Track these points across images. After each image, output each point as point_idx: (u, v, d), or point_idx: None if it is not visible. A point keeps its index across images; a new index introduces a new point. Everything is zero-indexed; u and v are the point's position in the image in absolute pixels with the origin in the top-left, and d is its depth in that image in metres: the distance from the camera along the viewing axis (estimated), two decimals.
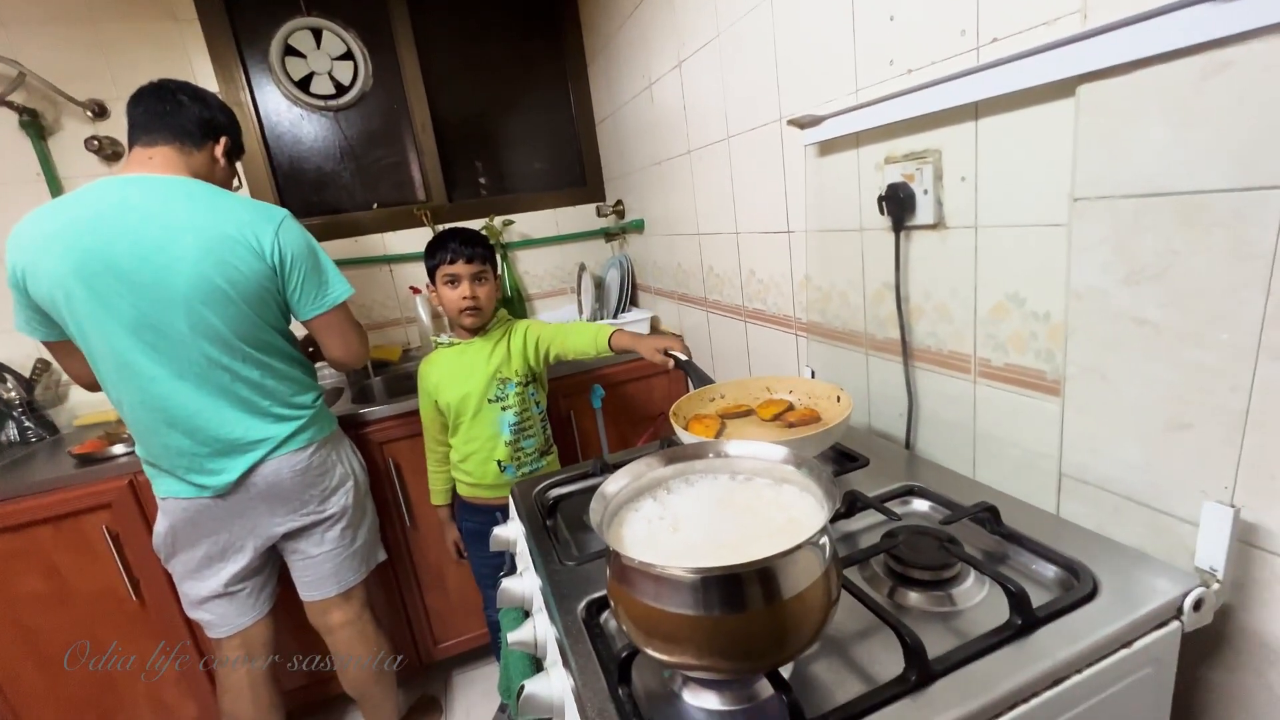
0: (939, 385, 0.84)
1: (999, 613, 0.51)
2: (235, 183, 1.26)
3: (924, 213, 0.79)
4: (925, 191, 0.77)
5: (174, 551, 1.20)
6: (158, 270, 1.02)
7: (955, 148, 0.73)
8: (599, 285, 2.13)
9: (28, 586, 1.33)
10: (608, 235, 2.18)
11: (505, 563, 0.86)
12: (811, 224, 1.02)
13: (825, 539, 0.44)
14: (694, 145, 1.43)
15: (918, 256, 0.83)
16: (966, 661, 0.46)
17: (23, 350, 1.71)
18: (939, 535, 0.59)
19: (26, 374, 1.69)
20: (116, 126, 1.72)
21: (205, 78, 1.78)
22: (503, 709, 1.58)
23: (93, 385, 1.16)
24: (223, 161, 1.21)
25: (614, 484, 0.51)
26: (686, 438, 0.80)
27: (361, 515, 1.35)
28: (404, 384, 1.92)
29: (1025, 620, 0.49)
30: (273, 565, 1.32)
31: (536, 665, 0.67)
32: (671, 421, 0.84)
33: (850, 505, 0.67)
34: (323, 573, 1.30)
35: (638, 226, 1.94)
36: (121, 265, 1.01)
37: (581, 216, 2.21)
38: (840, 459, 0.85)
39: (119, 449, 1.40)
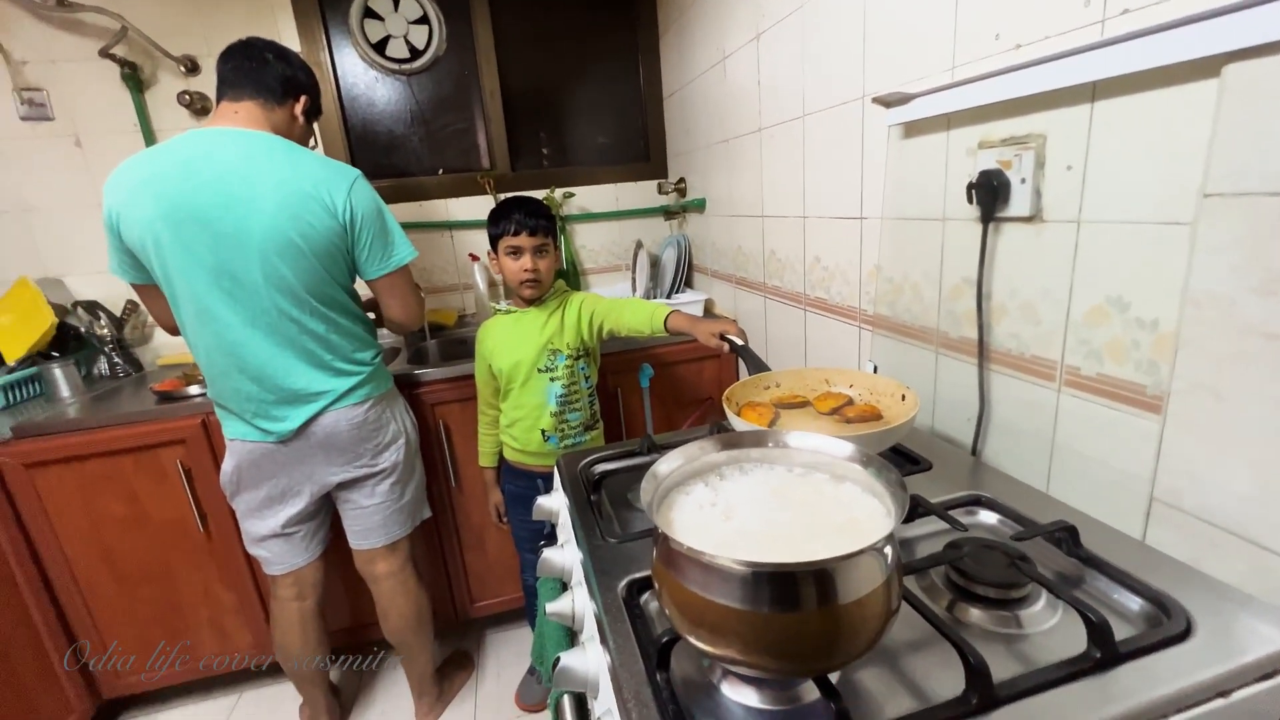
0: (1016, 391, 0.78)
1: (1073, 642, 0.47)
2: (311, 141, 1.30)
3: (1019, 203, 0.72)
4: (1023, 180, 0.71)
5: (238, 490, 1.27)
6: (237, 220, 1.06)
7: (1063, 133, 0.67)
8: (654, 264, 2.10)
9: (110, 509, 1.44)
10: (667, 213, 2.14)
11: (546, 532, 0.86)
12: (888, 210, 0.97)
13: (890, 545, 0.41)
14: (765, 123, 1.37)
15: (1006, 251, 0.76)
16: (1036, 690, 0.43)
17: (115, 290, 1.84)
18: (1009, 551, 0.55)
19: (118, 313, 1.81)
20: (206, 82, 1.79)
21: (289, 38, 1.83)
22: (532, 672, 1.62)
23: (174, 329, 1.22)
24: (301, 120, 1.24)
25: (666, 464, 0.49)
26: (739, 424, 0.78)
27: (410, 472, 1.39)
28: (458, 348, 1.96)
29: (1106, 654, 0.44)
30: (326, 512, 1.38)
31: (572, 637, 0.67)
32: (725, 407, 0.82)
33: (910, 510, 0.63)
34: (371, 524, 1.35)
35: (699, 206, 1.90)
36: (205, 214, 1.06)
37: (642, 193, 2.18)
38: (900, 460, 0.81)
39: (194, 389, 1.48)
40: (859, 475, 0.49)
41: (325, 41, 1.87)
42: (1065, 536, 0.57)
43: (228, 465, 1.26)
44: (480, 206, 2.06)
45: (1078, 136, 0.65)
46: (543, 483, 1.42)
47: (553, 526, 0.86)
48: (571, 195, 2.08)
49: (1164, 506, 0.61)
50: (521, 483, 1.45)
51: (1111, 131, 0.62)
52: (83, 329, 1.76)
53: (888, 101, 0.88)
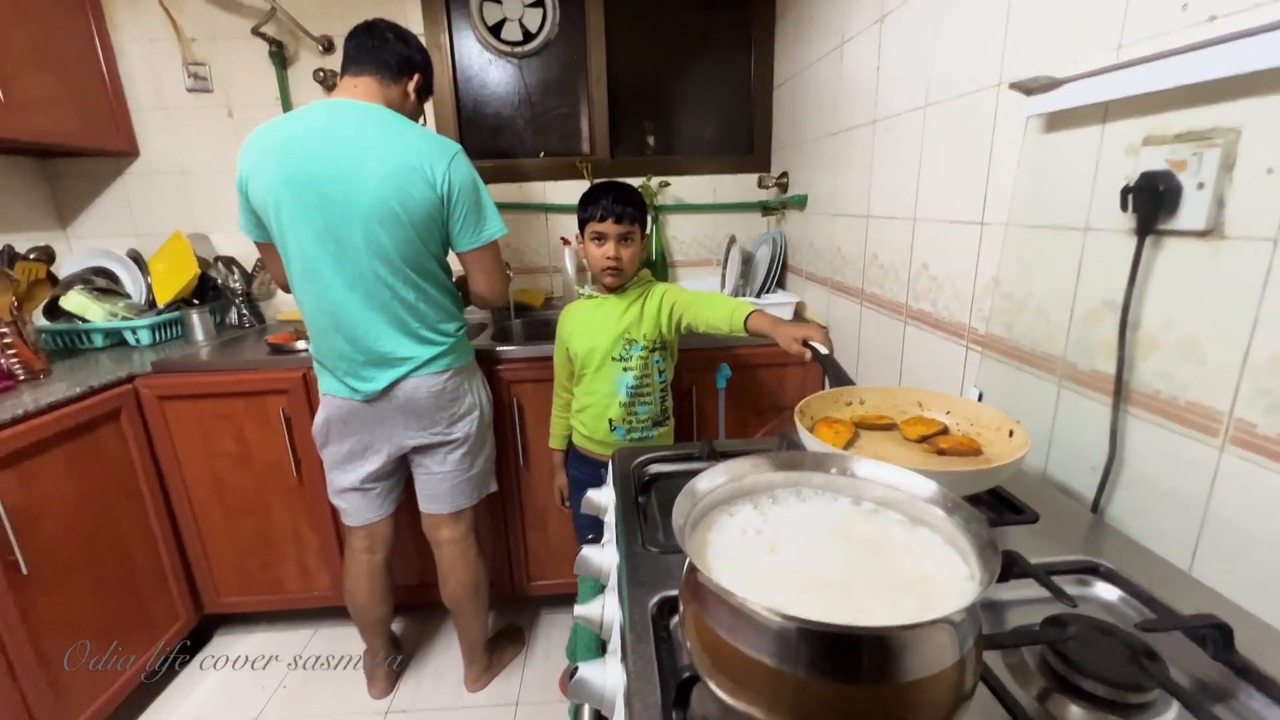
0: (1162, 443, 0.64)
1: None
2: (421, 119, 1.35)
3: (1191, 213, 0.59)
4: (1200, 185, 0.57)
5: (326, 442, 1.35)
6: (347, 188, 1.12)
7: (1268, 127, 0.53)
8: (747, 261, 2.01)
9: (223, 445, 1.60)
10: (765, 209, 2.04)
11: (594, 527, 0.83)
12: (1016, 216, 0.83)
13: (971, 617, 0.33)
14: (881, 114, 1.25)
15: (1166, 271, 0.63)
16: None
17: (248, 249, 2.02)
18: (1132, 642, 0.44)
19: (249, 270, 2.00)
20: (339, 61, 1.92)
21: (414, 20, 1.92)
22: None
23: (286, 286, 1.32)
24: (414, 97, 1.29)
25: (707, 480, 0.44)
26: (810, 442, 0.70)
27: (482, 445, 1.42)
28: (541, 330, 1.98)
29: None
30: (401, 473, 1.44)
31: (602, 645, 0.64)
32: (796, 420, 0.74)
33: (1005, 568, 0.53)
34: (440, 490, 1.40)
35: (800, 202, 1.79)
36: (320, 180, 1.12)
37: (740, 186, 2.09)
38: (999, 506, 0.69)
39: (301, 345, 1.60)
40: (940, 522, 0.41)
41: (447, 23, 1.95)
42: (1214, 635, 0.45)
43: (319, 418, 1.35)
44: (577, 191, 2.05)
45: None
46: (605, 472, 1.40)
47: (600, 523, 0.83)
48: (667, 185, 2.03)
49: None
50: (586, 469, 1.44)
51: None
52: (219, 281, 1.96)
53: (1028, 88, 0.76)
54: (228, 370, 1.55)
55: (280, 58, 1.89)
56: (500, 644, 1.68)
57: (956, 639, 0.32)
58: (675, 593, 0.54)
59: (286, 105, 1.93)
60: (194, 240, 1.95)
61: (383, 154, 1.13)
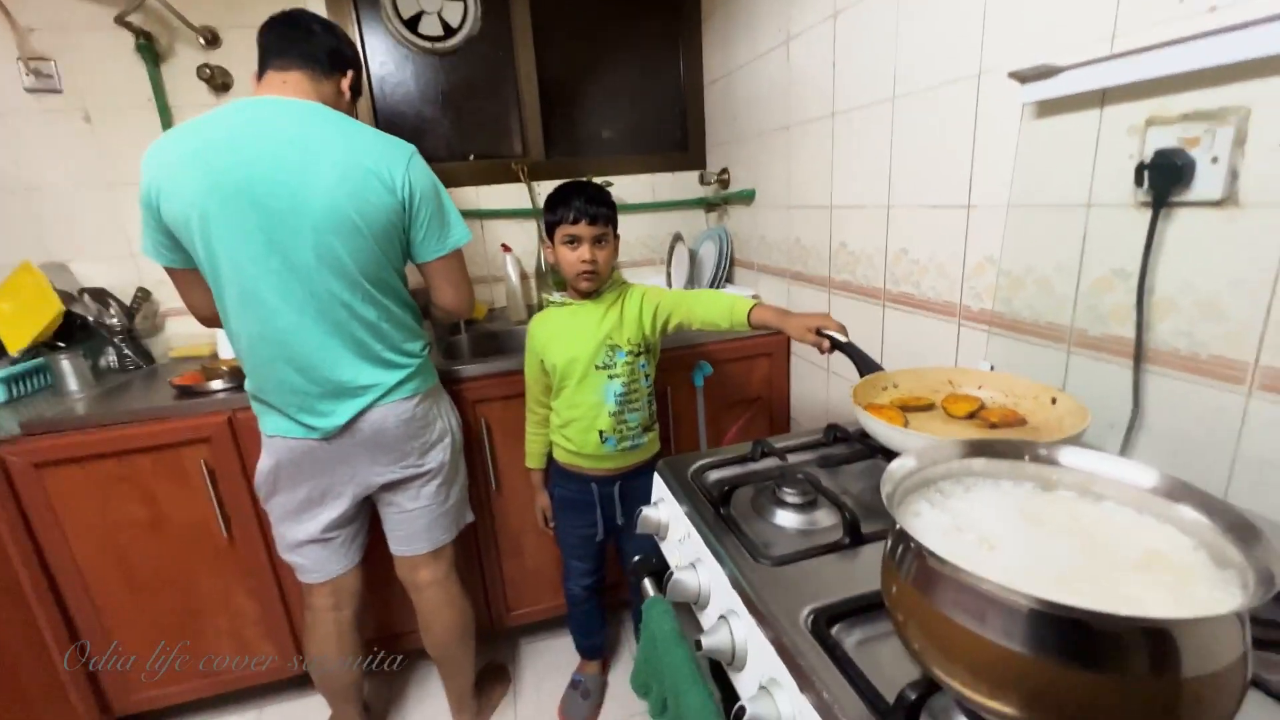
0: (1184, 394, 0.71)
1: None
2: None
3: (1206, 185, 0.65)
4: (1215, 160, 0.64)
5: (275, 491, 1.17)
6: (292, 196, 0.97)
7: (1273, 105, 0.59)
8: (692, 258, 2.01)
9: (126, 512, 1.33)
10: (708, 206, 2.06)
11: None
12: (1016, 198, 0.89)
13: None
14: (840, 107, 1.29)
15: (1180, 239, 0.69)
16: None
17: (124, 278, 1.72)
18: None
19: (128, 302, 1.70)
20: (228, 56, 1.68)
21: (315, 10, 1.72)
22: (575, 685, 1.54)
23: (210, 319, 1.12)
24: (348, 95, 1.15)
25: (899, 465, 0.41)
26: (873, 424, 0.70)
27: (456, 473, 1.30)
28: (489, 343, 1.86)
29: None
30: (365, 516, 1.28)
31: (715, 670, 0.59)
32: (855, 406, 0.74)
33: None
34: (416, 528, 1.26)
35: (746, 197, 1.82)
36: (256, 189, 0.96)
37: (680, 184, 2.10)
38: None
39: (218, 384, 1.37)
40: (1125, 494, 0.41)
41: (354, 15, 1.77)
42: None
43: (264, 464, 1.16)
44: (513, 195, 1.97)
45: None
46: (596, 487, 1.33)
47: (657, 542, 0.77)
48: (610, 185, 1.99)
49: None
50: (573, 486, 1.36)
51: None
52: (90, 318, 1.64)
53: (1025, 76, 0.81)
54: (126, 423, 1.29)
55: (151, 52, 1.61)
56: (486, 685, 1.55)
57: (1238, 628, 0.32)
58: (824, 604, 0.50)
59: (163, 107, 1.66)
60: (49, 271, 1.61)
61: (334, 156, 0.99)
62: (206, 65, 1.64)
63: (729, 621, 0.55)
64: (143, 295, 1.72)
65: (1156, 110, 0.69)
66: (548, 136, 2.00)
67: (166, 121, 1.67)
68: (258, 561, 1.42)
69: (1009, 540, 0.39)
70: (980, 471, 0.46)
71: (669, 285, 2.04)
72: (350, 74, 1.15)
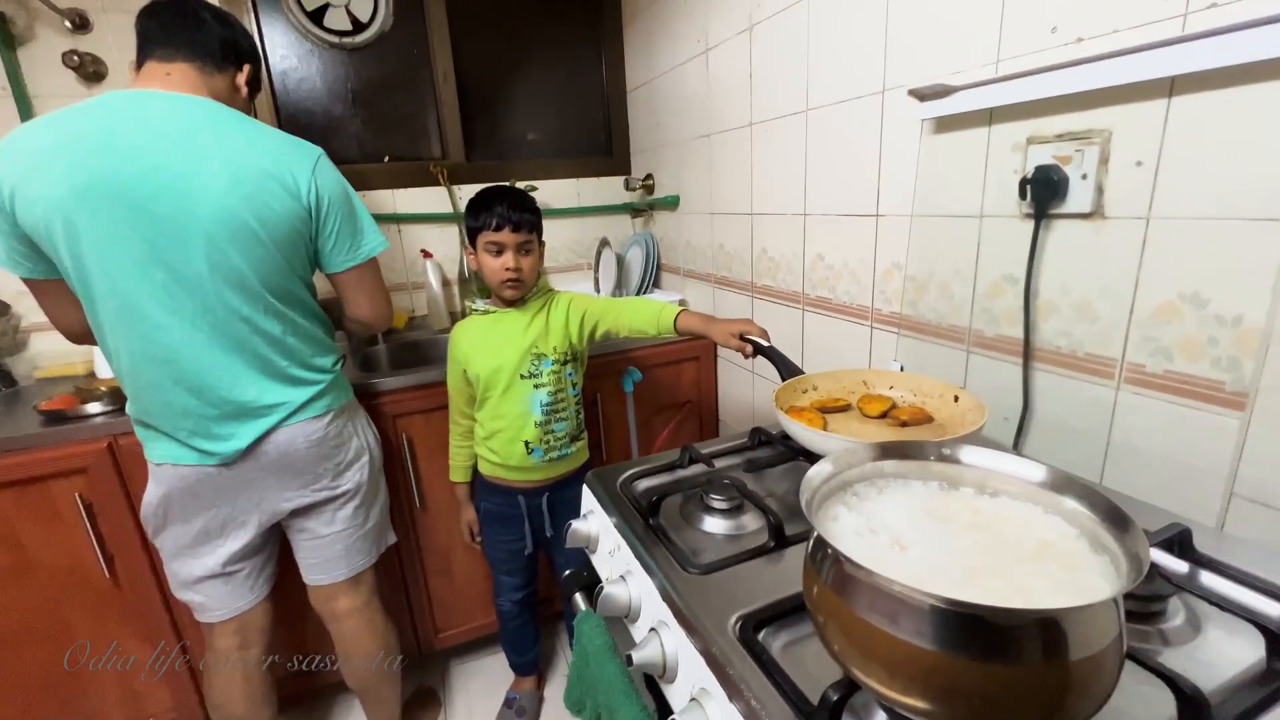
0: (1065, 389, 0.78)
1: (1232, 650, 0.45)
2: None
3: (1077, 199, 0.72)
4: (1084, 176, 0.70)
5: (165, 524, 1.06)
6: (178, 199, 0.88)
7: (1133, 128, 0.66)
8: (619, 263, 2.02)
9: None
10: (634, 211, 2.07)
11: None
12: (918, 208, 0.95)
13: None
14: (758, 117, 1.34)
15: (1058, 248, 0.76)
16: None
17: None
18: None
19: None
20: (99, 43, 1.52)
21: None
22: (509, 704, 1.49)
23: (82, 336, 1.00)
24: (244, 91, 1.07)
25: (817, 472, 0.42)
26: (794, 428, 0.72)
27: (375, 493, 1.23)
28: (410, 354, 1.78)
29: None
30: (274, 544, 1.19)
31: (650, 683, 0.59)
32: (778, 412, 0.76)
33: None
34: (332, 554, 1.18)
35: (671, 203, 1.84)
36: (135, 191, 0.86)
37: (606, 189, 2.09)
38: None
39: (94, 407, 1.23)
40: (1017, 488, 0.44)
41: (251, 4, 1.64)
42: (1178, 538, 0.55)
43: (152, 495, 1.05)
44: (432, 199, 1.89)
45: (1150, 132, 0.65)
46: (524, 499, 1.30)
47: (587, 555, 0.76)
48: (534, 189, 1.95)
49: (1245, 501, 0.61)
50: (499, 499, 1.32)
51: (1193, 127, 0.61)
52: None
53: (923, 94, 0.86)
54: None
55: (5, 35, 1.43)
56: (414, 713, 1.48)
57: (1114, 611, 0.35)
58: (750, 610, 0.51)
59: (20, 97, 1.47)
60: None
61: (226, 156, 0.91)
62: (74, 52, 1.47)
63: (659, 634, 0.54)
64: (1, 309, 1.52)
65: (1036, 130, 0.76)
66: (468, 138, 1.94)
67: (25, 111, 1.48)
68: (147, 602, 1.28)
69: (918, 539, 0.41)
70: (891, 473, 0.48)
71: (596, 290, 2.03)
72: (247, 68, 1.07)
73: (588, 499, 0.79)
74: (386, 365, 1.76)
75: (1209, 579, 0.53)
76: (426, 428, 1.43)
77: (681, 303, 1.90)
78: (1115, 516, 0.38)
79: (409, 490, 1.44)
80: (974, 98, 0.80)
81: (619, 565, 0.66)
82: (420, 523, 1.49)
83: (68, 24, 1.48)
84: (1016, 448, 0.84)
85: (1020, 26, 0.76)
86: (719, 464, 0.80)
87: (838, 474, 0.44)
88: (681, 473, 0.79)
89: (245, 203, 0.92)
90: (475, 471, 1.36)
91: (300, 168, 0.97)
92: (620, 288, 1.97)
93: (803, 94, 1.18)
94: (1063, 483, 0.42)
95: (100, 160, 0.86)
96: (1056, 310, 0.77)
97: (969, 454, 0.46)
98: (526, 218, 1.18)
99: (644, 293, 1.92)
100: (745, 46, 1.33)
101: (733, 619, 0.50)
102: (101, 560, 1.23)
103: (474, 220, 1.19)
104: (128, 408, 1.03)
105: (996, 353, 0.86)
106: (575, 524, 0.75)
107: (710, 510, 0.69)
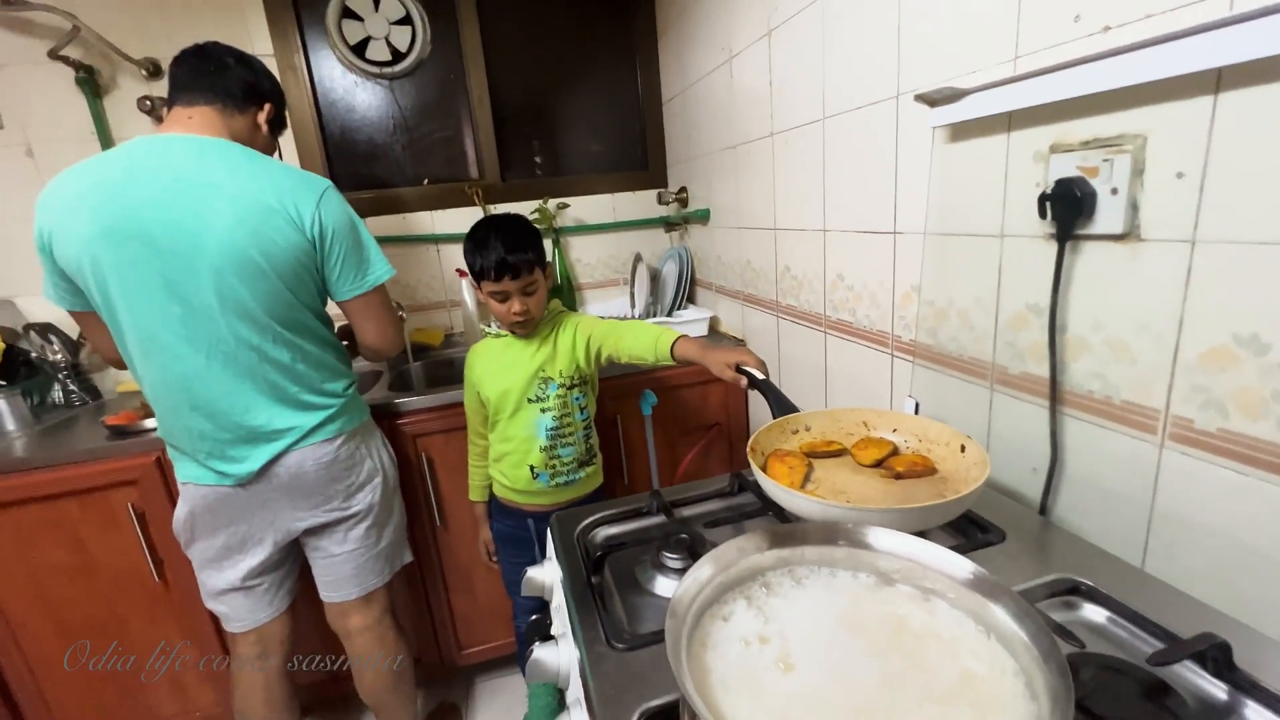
0: (1102, 442, 0.65)
1: None
2: (275, 155, 1.17)
3: (1108, 218, 0.60)
4: (1114, 190, 0.58)
5: (193, 538, 1.13)
6: (189, 237, 0.93)
7: (1172, 132, 0.54)
8: (654, 278, 1.97)
9: (53, 558, 1.29)
10: (668, 225, 2.02)
11: (538, 609, 0.72)
12: (932, 225, 0.84)
13: None
14: (778, 127, 1.25)
15: (1088, 274, 0.64)
16: None
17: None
18: (1145, 678, 0.42)
19: (74, 336, 1.67)
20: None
21: (260, 39, 1.70)
22: None
23: (118, 362, 1.09)
24: (265, 129, 1.12)
25: (692, 584, 0.36)
26: (766, 483, 0.64)
27: (388, 514, 1.25)
28: (445, 371, 1.82)
29: None
30: (294, 560, 1.24)
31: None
32: (750, 460, 0.68)
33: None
34: (343, 573, 1.21)
35: (702, 216, 1.77)
36: (151, 230, 0.92)
37: (640, 203, 2.06)
38: (966, 526, 0.68)
39: (151, 423, 1.34)
40: (968, 601, 0.36)
41: (300, 43, 1.74)
42: (1215, 654, 0.43)
43: (180, 511, 1.12)
44: (469, 218, 1.91)
45: (1194, 137, 0.52)
46: (534, 523, 1.28)
47: (546, 605, 0.72)
48: (566, 206, 1.95)
49: None
50: (511, 522, 1.31)
51: (1245, 129, 0.49)
52: (34, 354, 1.61)
53: (932, 99, 0.76)
54: (52, 466, 1.26)
55: (92, 85, 1.59)
56: None
57: None
58: (658, 705, 0.45)
59: (105, 141, 1.64)
60: None
61: (233, 194, 0.96)
62: (147, 97, 1.62)
63: (571, 713, 0.49)
64: None
65: (1060, 136, 0.64)
66: (504, 159, 1.97)
67: None
68: (193, 605, 1.36)
69: (813, 658, 0.34)
70: (814, 560, 0.40)
71: (632, 305, 1.99)
72: (269, 107, 1.12)
73: (550, 544, 0.75)
74: (423, 383, 1.81)
75: (1256, 714, 0.42)
76: (447, 447, 1.45)
77: (714, 320, 1.83)
78: (1044, 646, 0.29)
79: (430, 509, 1.46)
80: (988, 101, 0.69)
81: (559, 624, 0.62)
82: (441, 541, 1.51)
83: (143, 72, 1.63)
84: (1045, 508, 0.72)
85: (1039, 16, 0.65)
86: (689, 512, 0.74)
87: (715, 578, 0.37)
88: (645, 522, 0.74)
89: (251, 238, 0.96)
90: (491, 492, 1.36)
91: (305, 201, 1.00)
92: (656, 302, 1.93)
93: (819, 101, 1.09)
94: (989, 588, 0.33)
95: (120, 203, 0.92)
96: (1088, 348, 0.65)
97: (878, 537, 0.38)
98: (525, 259, 1.13)
99: (678, 308, 1.86)
100: (765, 52, 1.25)
101: (635, 715, 0.45)
102: (152, 564, 1.33)
103: (473, 263, 1.16)
104: (158, 430, 1.10)
105: (1022, 392, 0.74)
106: (531, 572, 0.71)
107: (664, 569, 0.63)
